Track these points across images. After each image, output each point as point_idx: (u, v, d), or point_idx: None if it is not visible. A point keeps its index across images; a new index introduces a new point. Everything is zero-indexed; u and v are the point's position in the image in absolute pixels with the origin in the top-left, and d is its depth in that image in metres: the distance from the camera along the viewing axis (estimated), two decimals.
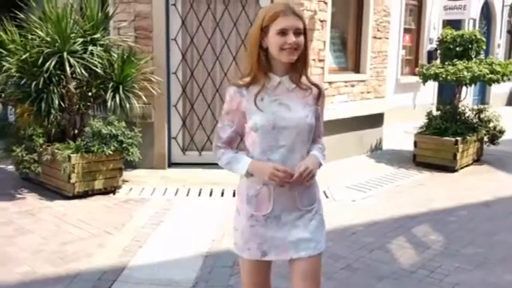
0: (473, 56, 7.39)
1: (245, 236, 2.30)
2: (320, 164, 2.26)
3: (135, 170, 6.58)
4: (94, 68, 5.52)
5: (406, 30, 11.10)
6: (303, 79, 2.21)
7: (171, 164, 6.91)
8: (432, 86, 11.09)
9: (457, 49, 7.33)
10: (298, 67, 2.19)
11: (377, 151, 8.28)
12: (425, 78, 7.50)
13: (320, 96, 2.25)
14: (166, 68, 6.63)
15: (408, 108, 10.96)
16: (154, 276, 3.84)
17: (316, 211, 2.30)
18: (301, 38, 2.12)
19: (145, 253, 4.26)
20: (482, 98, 13.69)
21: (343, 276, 3.91)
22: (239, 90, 2.20)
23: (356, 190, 6.17)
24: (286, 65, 2.16)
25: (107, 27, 6.07)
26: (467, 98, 12.04)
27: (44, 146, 5.60)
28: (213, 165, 6.98)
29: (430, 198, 5.96)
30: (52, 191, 5.71)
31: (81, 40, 5.56)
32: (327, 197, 5.91)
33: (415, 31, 11.44)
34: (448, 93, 10.78)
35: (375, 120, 8.05)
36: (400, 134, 9.42)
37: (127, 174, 6.32)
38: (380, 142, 8.38)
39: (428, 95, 11.43)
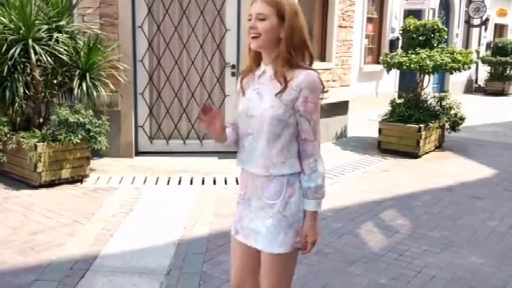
0: (435, 45, 7.58)
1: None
2: (315, 213, 2.18)
3: (102, 159, 6.50)
4: (59, 55, 5.40)
5: (369, 20, 11.27)
6: (284, 69, 2.09)
7: (138, 153, 6.85)
8: (393, 75, 11.32)
9: (420, 38, 7.49)
10: (274, 54, 2.12)
11: (342, 139, 8.42)
12: (389, 66, 7.65)
13: (299, 90, 2.07)
14: (133, 56, 6.55)
15: (371, 96, 11.16)
16: (127, 264, 3.83)
17: (278, 211, 2.17)
18: (264, 23, 2.06)
19: (117, 242, 4.23)
20: (441, 86, 14.06)
21: (315, 261, 3.98)
22: (241, 78, 2.31)
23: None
24: (270, 54, 2.13)
25: (71, 14, 5.93)
26: (428, 86, 12.36)
27: (9, 135, 5.46)
28: (181, 153, 7.06)
29: (396, 184, 6.12)
30: (17, 180, 5.58)
31: (46, 27, 5.44)
32: None
33: (377, 20, 11.63)
34: (409, 81, 11.02)
35: (340, 108, 8.17)
36: (364, 122, 9.61)
37: (93, 163, 6.23)
38: (345, 129, 8.53)
39: (390, 83, 11.66)
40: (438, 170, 6.86)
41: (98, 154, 6.25)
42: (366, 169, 6.77)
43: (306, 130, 2.13)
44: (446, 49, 7.66)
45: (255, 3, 2.10)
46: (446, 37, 7.79)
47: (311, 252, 2.25)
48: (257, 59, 2.23)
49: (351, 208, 5.25)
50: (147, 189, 5.62)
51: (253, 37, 2.10)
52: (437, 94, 8.20)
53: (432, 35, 7.50)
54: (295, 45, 2.10)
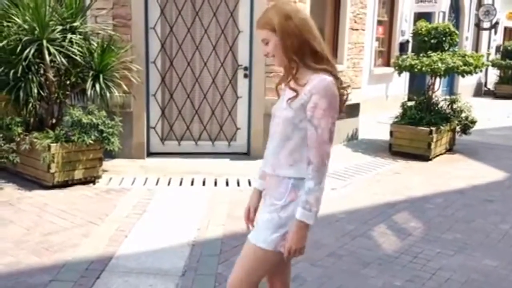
0: (446, 48, 7.56)
1: None
2: (300, 223, 2.13)
3: (114, 160, 6.53)
4: (73, 56, 5.43)
5: (379, 22, 11.26)
6: (293, 78, 2.15)
7: (150, 154, 6.87)
8: (403, 78, 11.30)
9: (432, 41, 7.48)
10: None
11: (353, 141, 8.41)
12: (401, 69, 7.64)
13: (310, 95, 2.08)
14: (145, 57, 6.57)
15: (381, 98, 11.15)
16: (142, 265, 3.84)
17: (276, 210, 2.21)
18: (269, 46, 2.16)
19: (132, 243, 4.24)
20: (451, 89, 14.01)
21: (329, 263, 3.99)
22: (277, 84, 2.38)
23: (335, 179, 6.25)
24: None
25: (85, 15, 5.96)
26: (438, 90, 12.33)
27: (22, 136, 5.49)
28: (192, 154, 7.07)
29: (407, 186, 6.10)
30: (30, 181, 5.61)
31: (60, 28, 5.46)
32: None
33: (387, 23, 11.62)
34: (418, 84, 11.03)
35: (351, 110, 8.16)
36: (374, 124, 9.60)
37: (106, 164, 6.25)
38: (356, 132, 8.52)
39: (400, 86, 11.64)
40: (450, 173, 6.84)
41: (110, 155, 6.28)
42: (377, 171, 6.76)
43: (310, 136, 2.11)
44: (457, 52, 7.64)
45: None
46: (457, 40, 7.78)
47: (290, 258, 2.26)
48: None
49: (363, 210, 5.24)
50: (159, 190, 5.63)
51: (273, 57, 2.19)
52: (447, 97, 8.16)
53: (444, 38, 7.48)
54: (295, 48, 2.12)
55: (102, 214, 4.83)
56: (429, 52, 7.42)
